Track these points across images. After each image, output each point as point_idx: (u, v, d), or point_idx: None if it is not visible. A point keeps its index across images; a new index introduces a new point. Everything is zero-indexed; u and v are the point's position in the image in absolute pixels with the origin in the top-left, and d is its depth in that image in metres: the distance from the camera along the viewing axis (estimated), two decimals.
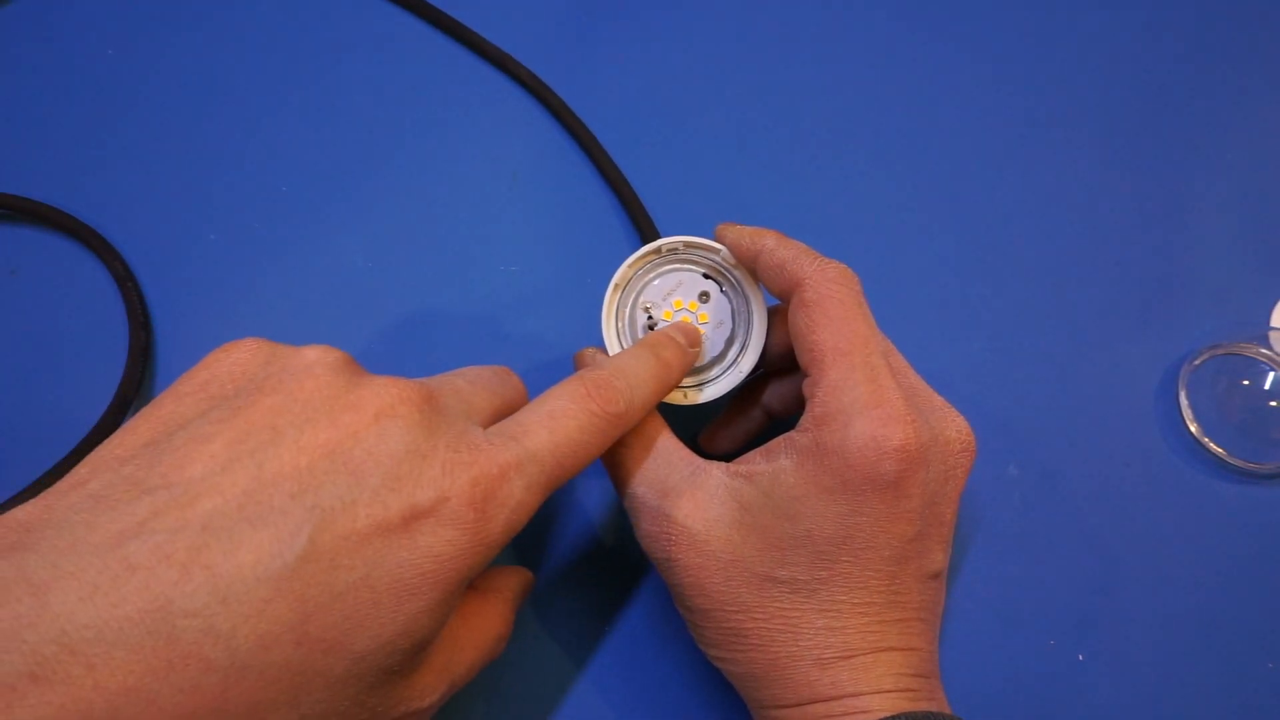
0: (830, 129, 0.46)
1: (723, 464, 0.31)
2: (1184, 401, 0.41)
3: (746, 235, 0.33)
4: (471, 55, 0.47)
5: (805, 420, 0.30)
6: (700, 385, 0.34)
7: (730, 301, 0.34)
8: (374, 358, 0.41)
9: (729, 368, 0.34)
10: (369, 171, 0.44)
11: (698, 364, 0.34)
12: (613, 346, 0.34)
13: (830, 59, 0.48)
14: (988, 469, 0.40)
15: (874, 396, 0.29)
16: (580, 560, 0.38)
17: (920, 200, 0.45)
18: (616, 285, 0.34)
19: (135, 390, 0.39)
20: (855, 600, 0.29)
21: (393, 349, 0.41)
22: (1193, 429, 0.40)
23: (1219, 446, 0.40)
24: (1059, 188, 0.45)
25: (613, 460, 0.32)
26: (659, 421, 0.33)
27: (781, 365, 0.35)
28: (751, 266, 0.33)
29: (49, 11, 0.47)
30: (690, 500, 0.30)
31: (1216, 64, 0.48)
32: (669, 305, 0.34)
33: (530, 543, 0.38)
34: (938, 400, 0.32)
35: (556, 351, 0.41)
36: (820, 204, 0.45)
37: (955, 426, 0.31)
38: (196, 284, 0.42)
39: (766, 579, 0.29)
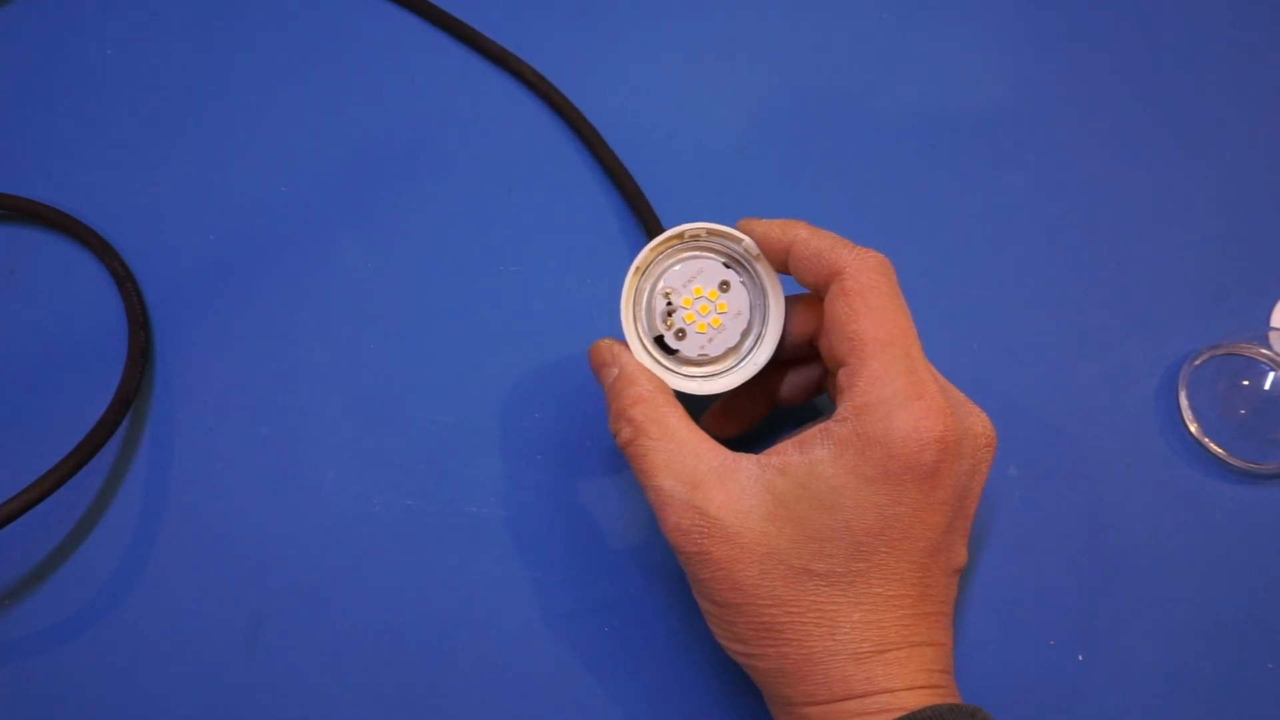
0: (832, 128, 0.46)
1: (753, 455, 0.31)
2: (1184, 401, 0.41)
3: (777, 227, 0.33)
4: (473, 53, 0.47)
5: (844, 410, 0.30)
6: (712, 375, 0.34)
7: (749, 293, 0.34)
8: (373, 358, 0.41)
9: (743, 359, 0.34)
10: (369, 171, 0.44)
11: (713, 353, 0.34)
12: (629, 332, 0.34)
13: (831, 58, 0.48)
14: None
15: (915, 388, 0.29)
16: (583, 561, 0.38)
17: (920, 200, 0.45)
18: (637, 269, 0.33)
19: (135, 390, 0.39)
20: (891, 593, 0.29)
21: (392, 349, 0.41)
22: (1193, 429, 0.40)
23: (1219, 446, 0.40)
24: (1058, 187, 0.45)
25: (636, 452, 0.32)
26: (682, 412, 0.32)
27: (796, 355, 0.35)
28: (782, 258, 0.33)
29: (49, 11, 0.47)
30: (722, 492, 0.30)
31: (1216, 63, 0.48)
32: (689, 292, 0.34)
33: (533, 543, 0.38)
34: (960, 395, 0.32)
35: (557, 352, 0.41)
36: (821, 203, 0.45)
37: (981, 421, 0.32)
38: (196, 284, 0.42)
39: (803, 571, 0.29)
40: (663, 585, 0.38)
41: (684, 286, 0.34)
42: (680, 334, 0.34)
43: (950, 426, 0.29)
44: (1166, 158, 0.46)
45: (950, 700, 0.29)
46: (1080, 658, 0.37)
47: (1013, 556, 0.39)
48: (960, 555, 0.31)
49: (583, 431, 0.40)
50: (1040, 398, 0.41)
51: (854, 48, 0.48)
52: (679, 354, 0.34)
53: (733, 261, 0.34)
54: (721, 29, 0.48)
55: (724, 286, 0.34)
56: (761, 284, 0.34)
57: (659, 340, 0.34)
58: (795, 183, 0.45)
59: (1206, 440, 0.40)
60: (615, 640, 0.37)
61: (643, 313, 0.34)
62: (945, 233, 0.44)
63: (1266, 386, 0.40)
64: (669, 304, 0.34)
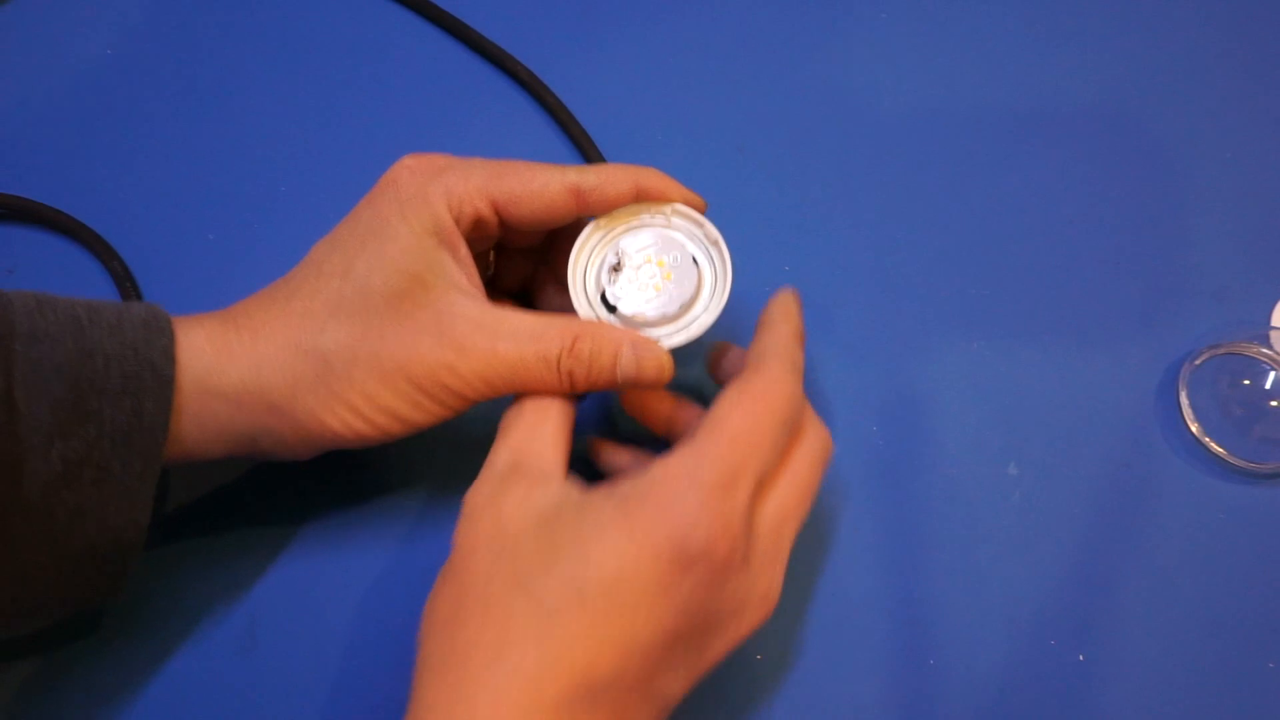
0: (829, 128, 0.46)
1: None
2: (1184, 401, 0.41)
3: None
4: (471, 54, 0.47)
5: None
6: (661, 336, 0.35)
7: (697, 270, 0.35)
8: None
9: (681, 329, 0.35)
10: (369, 171, 0.44)
11: (649, 316, 0.35)
12: (574, 279, 0.35)
13: (829, 58, 0.48)
14: (988, 469, 0.40)
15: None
16: None
17: (919, 199, 0.45)
18: (597, 224, 0.36)
19: None
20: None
21: None
22: (1193, 429, 0.40)
23: (1219, 446, 0.40)
24: (1059, 187, 0.45)
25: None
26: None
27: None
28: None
29: (49, 11, 0.47)
30: None
31: (1216, 62, 0.48)
32: (640, 258, 0.35)
33: None
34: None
35: None
36: (820, 204, 0.45)
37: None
38: (196, 284, 0.42)
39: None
40: None
41: (636, 251, 0.35)
42: (621, 291, 0.35)
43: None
44: (1167, 157, 0.46)
45: None
46: (1080, 658, 0.37)
47: (1013, 556, 0.38)
48: (671, 687, 0.28)
49: (585, 428, 0.40)
50: (1040, 398, 0.41)
51: (853, 47, 0.48)
52: (616, 311, 0.35)
53: (690, 240, 0.36)
54: (719, 29, 0.48)
55: (675, 259, 0.35)
56: (714, 266, 0.36)
57: (601, 295, 0.35)
58: (794, 183, 0.45)
59: (1206, 440, 0.40)
60: None
61: (593, 266, 0.36)
62: (944, 232, 0.44)
63: (1267, 386, 0.40)
64: (617, 261, 0.35)
